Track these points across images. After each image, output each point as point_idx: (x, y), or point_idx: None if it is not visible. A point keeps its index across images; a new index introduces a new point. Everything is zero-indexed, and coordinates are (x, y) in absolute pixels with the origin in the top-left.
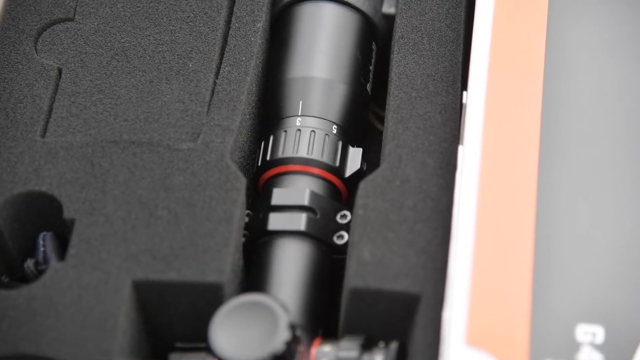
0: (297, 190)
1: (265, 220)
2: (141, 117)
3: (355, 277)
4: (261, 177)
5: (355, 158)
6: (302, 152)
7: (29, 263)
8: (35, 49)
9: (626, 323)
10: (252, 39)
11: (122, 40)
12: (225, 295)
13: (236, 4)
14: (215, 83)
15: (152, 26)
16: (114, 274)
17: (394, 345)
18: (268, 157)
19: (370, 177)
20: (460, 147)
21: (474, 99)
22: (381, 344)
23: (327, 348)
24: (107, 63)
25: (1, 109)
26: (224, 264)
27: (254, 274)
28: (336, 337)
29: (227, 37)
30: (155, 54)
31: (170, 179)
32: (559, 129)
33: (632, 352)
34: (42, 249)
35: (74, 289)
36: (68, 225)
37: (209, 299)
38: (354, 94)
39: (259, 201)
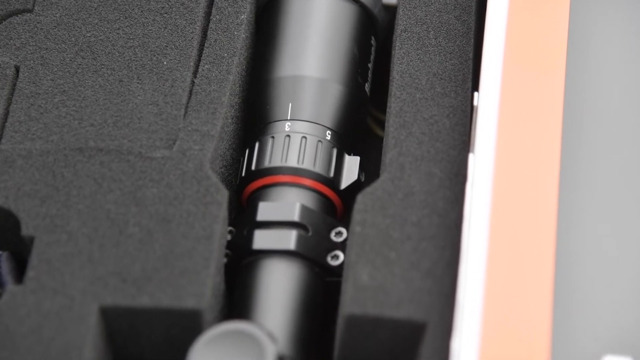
0: (286, 204)
1: (250, 238)
2: (109, 122)
3: (352, 302)
4: (245, 189)
5: (351, 168)
6: (292, 161)
7: None
8: None
9: None
10: (235, 32)
11: (88, 35)
12: (205, 322)
13: None
14: (193, 83)
15: (121, 18)
16: (79, 299)
17: None
18: (253, 167)
19: (368, 190)
20: (470, 156)
21: (487, 100)
22: None
23: None
24: (70, 60)
25: None
26: (204, 287)
27: (237, 299)
28: None
29: (207, 31)
30: (126, 50)
31: (142, 192)
32: (583, 135)
33: None
34: None
35: (33, 316)
36: (27, 244)
37: (186, 327)
38: (351, 95)
39: (243, 216)
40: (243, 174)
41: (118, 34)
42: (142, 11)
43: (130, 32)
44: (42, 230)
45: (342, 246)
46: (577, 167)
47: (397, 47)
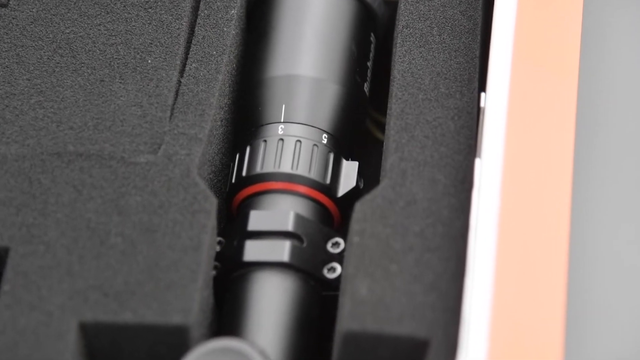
0: (279, 213)
1: (240, 250)
2: (90, 124)
3: (350, 317)
4: (236, 196)
5: (349, 174)
6: (286, 167)
7: None
8: None
9: None
10: (225, 29)
11: (67, 31)
12: (192, 339)
13: None
14: (179, 82)
15: (102, 13)
16: (57, 314)
17: None
18: (244, 173)
19: (368, 197)
20: (477, 161)
21: (494, 101)
22: None
23: None
24: (48, 58)
25: None
26: (191, 302)
27: (227, 314)
28: None
29: (195, 27)
30: (107, 48)
31: (125, 200)
32: (597, 138)
33: None
34: None
35: (8, 332)
36: (1, 256)
37: (172, 345)
38: (349, 96)
39: (233, 226)
40: (233, 181)
41: (99, 30)
42: (125, 6)
43: (112, 28)
44: (18, 241)
45: (339, 258)
46: (591, 173)
47: (398, 45)
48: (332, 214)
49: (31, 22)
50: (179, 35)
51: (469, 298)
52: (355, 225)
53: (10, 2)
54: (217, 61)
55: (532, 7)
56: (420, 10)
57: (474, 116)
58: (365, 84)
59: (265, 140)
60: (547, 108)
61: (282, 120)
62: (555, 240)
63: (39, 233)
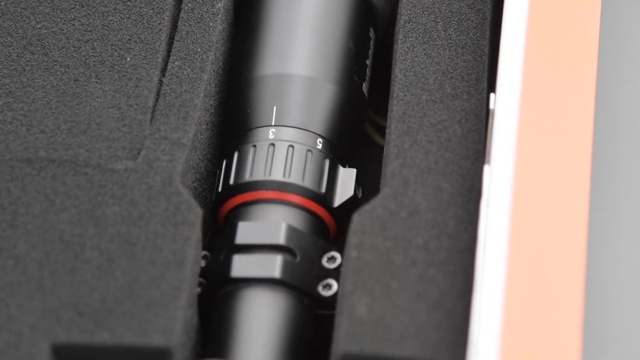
0: (270, 224)
1: (227, 265)
2: (63, 128)
3: (347, 339)
4: (222, 207)
5: (346, 182)
6: (277, 175)
7: None
8: None
9: None
10: (211, 23)
11: (38, 26)
12: None
13: None
14: (161, 82)
15: (77, 7)
16: (27, 335)
17: None
18: (231, 181)
19: (367, 207)
20: (486, 167)
21: (505, 103)
22: None
23: None
24: (17, 56)
25: None
26: (173, 322)
27: (212, 335)
28: None
29: (177, 22)
30: (82, 44)
31: (101, 210)
32: (617, 144)
33: None
34: None
35: None
36: None
37: None
38: (346, 97)
39: (220, 239)
40: (219, 189)
41: (73, 25)
42: None
43: (87, 23)
44: None
45: (335, 273)
46: (611, 181)
47: (400, 41)
48: (327, 225)
49: None
50: (160, 30)
51: (477, 317)
52: (353, 238)
53: None
54: (202, 59)
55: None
56: (424, 3)
57: (482, 119)
58: (363, 84)
59: (254, 145)
60: (563, 110)
61: (273, 124)
62: (571, 256)
63: (8, 246)
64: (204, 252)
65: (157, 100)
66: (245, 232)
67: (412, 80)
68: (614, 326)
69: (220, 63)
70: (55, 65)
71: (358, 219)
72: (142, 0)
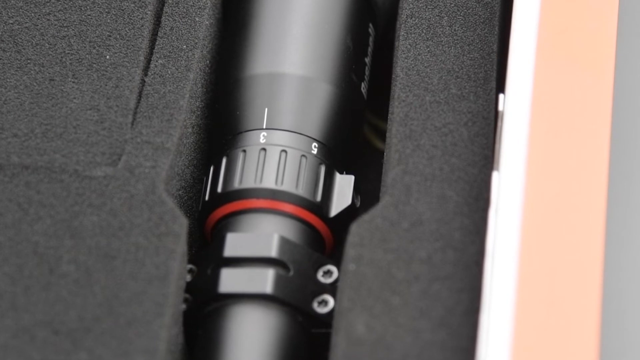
0: (261, 236)
1: (215, 279)
2: (37, 132)
3: (345, 359)
4: (210, 217)
5: (344, 190)
6: (269, 182)
7: None
8: None
9: None
10: (197, 18)
11: (10, 21)
12: None
13: None
14: (143, 82)
15: (52, 0)
16: None
17: None
18: (219, 189)
19: (365, 218)
20: (494, 174)
21: (515, 104)
22: None
23: None
24: None
25: None
26: (156, 341)
27: (199, 356)
28: None
29: (161, 16)
30: (58, 41)
31: (79, 220)
32: (636, 149)
33: None
34: None
35: None
36: None
37: None
38: (343, 98)
39: (207, 251)
40: (207, 198)
41: (48, 20)
42: None
43: (63, 17)
44: None
45: (331, 289)
46: (629, 189)
47: (401, 37)
48: (323, 237)
49: None
50: (142, 26)
51: (484, 337)
52: (350, 250)
53: None
54: (187, 57)
55: None
56: None
57: (490, 122)
58: (362, 84)
59: (244, 150)
60: (577, 112)
61: (264, 127)
62: (587, 271)
63: None
64: (190, 266)
65: (139, 101)
66: (234, 244)
67: (415, 80)
68: (632, 352)
69: (208, 61)
70: (29, 63)
71: (356, 230)
72: None
